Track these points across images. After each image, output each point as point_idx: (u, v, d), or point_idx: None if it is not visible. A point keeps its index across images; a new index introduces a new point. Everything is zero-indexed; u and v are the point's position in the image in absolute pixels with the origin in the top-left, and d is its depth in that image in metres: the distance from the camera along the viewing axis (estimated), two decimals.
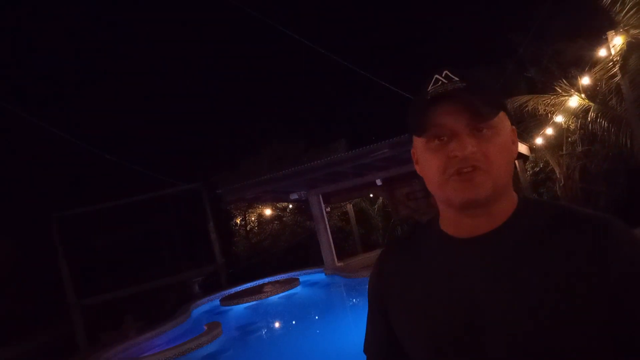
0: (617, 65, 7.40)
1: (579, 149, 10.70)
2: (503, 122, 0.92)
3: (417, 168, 1.01)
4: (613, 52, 7.37)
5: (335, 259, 12.94)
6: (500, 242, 0.90)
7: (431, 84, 0.91)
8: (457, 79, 0.89)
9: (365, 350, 1.15)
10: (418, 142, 0.97)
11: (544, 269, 0.84)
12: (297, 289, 11.74)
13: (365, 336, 1.15)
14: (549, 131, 10.52)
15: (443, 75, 0.90)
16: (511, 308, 0.84)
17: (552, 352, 0.81)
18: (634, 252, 0.83)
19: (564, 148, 10.95)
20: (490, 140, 0.88)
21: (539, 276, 0.83)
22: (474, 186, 0.87)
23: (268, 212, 18.22)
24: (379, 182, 12.39)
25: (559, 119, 9.80)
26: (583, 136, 10.38)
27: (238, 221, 18.57)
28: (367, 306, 1.15)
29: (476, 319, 0.88)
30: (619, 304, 0.80)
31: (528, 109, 10.07)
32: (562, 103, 9.44)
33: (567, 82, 9.40)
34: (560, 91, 9.42)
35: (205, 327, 8.29)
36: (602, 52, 7.78)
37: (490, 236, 0.91)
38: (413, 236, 1.09)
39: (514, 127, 0.97)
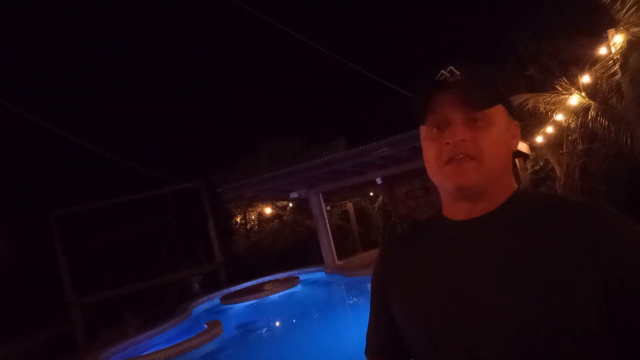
0: (618, 64, 7.38)
1: (579, 147, 10.69)
2: (500, 114, 0.95)
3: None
4: (613, 50, 7.35)
5: (335, 258, 12.93)
6: (494, 224, 0.93)
7: (436, 77, 0.94)
8: (459, 73, 0.92)
9: (367, 339, 1.17)
10: (421, 132, 1.01)
11: (536, 253, 0.85)
12: (297, 288, 11.74)
13: (368, 326, 1.17)
14: (549, 130, 10.51)
15: (447, 69, 0.94)
16: (502, 290, 0.85)
17: (544, 337, 0.81)
18: (625, 236, 0.85)
19: (564, 146, 10.94)
20: (485, 130, 0.91)
21: (531, 260, 0.85)
22: (464, 173, 0.91)
23: (268, 210, 18.23)
24: (379, 180, 12.38)
25: (559, 117, 9.79)
26: (583, 135, 10.37)
27: (238, 220, 18.58)
28: (367, 304, 1.16)
29: (468, 302, 0.89)
30: (613, 288, 0.81)
31: (528, 108, 10.06)
32: (562, 101, 9.42)
33: (567, 80, 9.39)
34: (561, 89, 9.40)
35: (206, 326, 8.29)
36: (602, 50, 7.76)
37: (485, 218, 0.94)
38: (416, 227, 1.12)
39: (516, 121, 1.00)
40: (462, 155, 0.90)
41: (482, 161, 0.90)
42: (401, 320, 1.03)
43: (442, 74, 0.93)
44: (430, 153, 0.96)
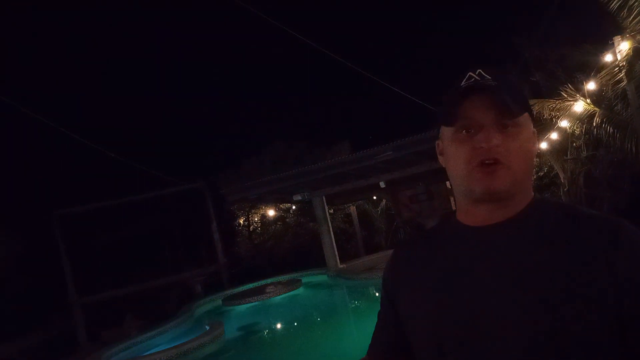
0: (623, 71, 7.37)
1: (584, 154, 10.66)
2: (527, 122, 0.97)
3: (441, 159, 1.04)
4: (619, 58, 7.34)
5: (338, 261, 12.92)
6: (510, 232, 0.92)
7: (464, 79, 0.95)
8: (489, 77, 0.93)
9: (372, 339, 1.17)
10: (446, 133, 1.00)
11: (551, 263, 0.85)
12: (300, 290, 11.74)
13: (375, 325, 1.18)
14: (554, 136, 10.47)
15: (477, 73, 0.95)
16: (513, 299, 0.85)
17: (552, 348, 0.81)
18: None
19: (568, 153, 10.91)
20: (514, 138, 0.92)
21: (546, 270, 0.85)
22: (495, 179, 0.90)
23: (271, 212, 18.23)
24: (382, 184, 12.38)
25: (564, 123, 9.76)
26: (588, 141, 10.34)
27: (241, 222, 18.59)
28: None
29: (478, 309, 0.89)
30: (625, 306, 0.81)
31: (533, 114, 10.02)
32: (567, 108, 9.39)
33: (573, 87, 9.36)
34: (566, 96, 9.38)
35: (208, 327, 8.29)
36: (608, 57, 7.75)
37: (502, 225, 0.94)
38: (429, 230, 1.12)
39: (534, 130, 1.01)
40: (492, 160, 0.90)
41: (511, 167, 0.91)
42: (408, 323, 1.03)
43: (472, 75, 0.94)
44: (459, 156, 0.95)
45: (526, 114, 0.96)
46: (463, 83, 0.94)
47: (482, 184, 0.91)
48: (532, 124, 0.99)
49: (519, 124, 0.93)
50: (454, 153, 0.96)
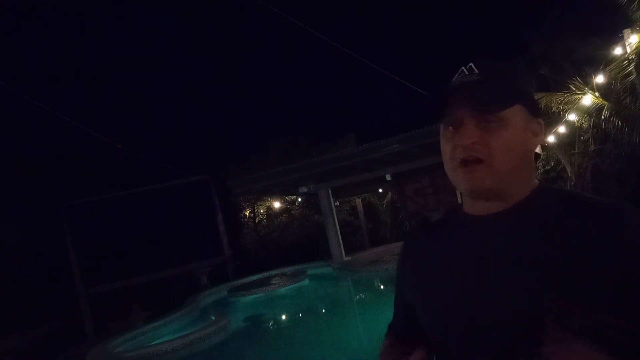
0: (633, 64, 7.31)
1: (591, 147, 10.60)
2: (516, 114, 0.94)
3: None
4: (629, 51, 7.28)
5: (343, 253, 12.93)
6: (510, 221, 0.93)
7: (456, 75, 0.96)
8: (477, 71, 0.93)
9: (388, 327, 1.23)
10: (440, 130, 1.01)
11: (550, 251, 0.85)
12: (305, 282, 11.77)
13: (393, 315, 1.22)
14: (562, 129, 10.42)
15: (467, 67, 0.95)
16: (510, 285, 0.86)
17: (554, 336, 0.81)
18: None
19: (576, 147, 10.85)
20: (496, 133, 0.91)
21: (544, 259, 0.85)
22: (475, 178, 0.92)
23: (277, 205, 18.25)
24: (388, 177, 12.36)
25: (572, 117, 9.70)
26: (595, 135, 10.28)
27: (247, 213, 18.62)
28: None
29: (473, 301, 0.90)
30: (629, 287, 0.80)
31: (540, 107, 9.95)
32: (575, 101, 9.34)
33: (581, 80, 9.30)
34: (574, 89, 9.32)
35: (213, 318, 8.33)
36: (617, 50, 7.70)
37: (502, 214, 0.95)
38: (436, 221, 1.14)
39: (539, 119, 1.00)
40: (472, 158, 0.91)
41: (492, 164, 0.90)
42: (416, 312, 1.07)
43: (462, 71, 0.95)
44: (445, 152, 0.98)
45: (517, 107, 0.93)
46: (455, 78, 0.95)
47: (463, 183, 0.94)
48: (529, 115, 0.97)
49: (503, 118, 0.91)
50: (442, 149, 0.99)
